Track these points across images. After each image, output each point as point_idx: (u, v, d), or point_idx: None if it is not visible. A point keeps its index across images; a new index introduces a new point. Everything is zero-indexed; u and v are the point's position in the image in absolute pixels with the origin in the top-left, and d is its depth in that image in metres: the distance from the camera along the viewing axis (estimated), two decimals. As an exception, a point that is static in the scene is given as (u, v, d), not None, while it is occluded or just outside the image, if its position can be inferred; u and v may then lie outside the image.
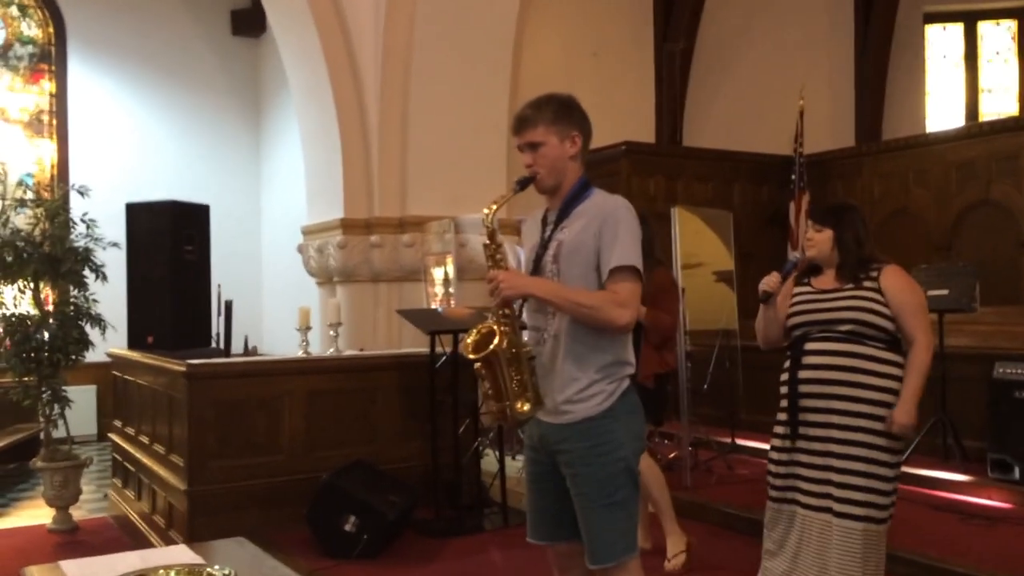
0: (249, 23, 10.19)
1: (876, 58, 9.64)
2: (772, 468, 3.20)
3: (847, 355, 3.02)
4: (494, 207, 2.47)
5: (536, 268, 2.53)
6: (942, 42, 9.84)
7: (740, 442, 6.36)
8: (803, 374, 3.10)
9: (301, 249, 7.59)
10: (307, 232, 7.54)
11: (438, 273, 6.64)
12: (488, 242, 2.47)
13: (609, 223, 2.40)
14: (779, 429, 3.19)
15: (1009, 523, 4.53)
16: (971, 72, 9.72)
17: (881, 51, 9.65)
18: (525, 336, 2.53)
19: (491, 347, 2.35)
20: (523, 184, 2.52)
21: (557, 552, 2.62)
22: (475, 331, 2.45)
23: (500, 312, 2.41)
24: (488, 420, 2.49)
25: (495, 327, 2.41)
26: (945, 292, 5.60)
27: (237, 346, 7.35)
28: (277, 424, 4.81)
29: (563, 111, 2.50)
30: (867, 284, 3.07)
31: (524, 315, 2.58)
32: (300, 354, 5.20)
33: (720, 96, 9.85)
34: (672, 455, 5.87)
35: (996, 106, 9.58)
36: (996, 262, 7.37)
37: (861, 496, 2.97)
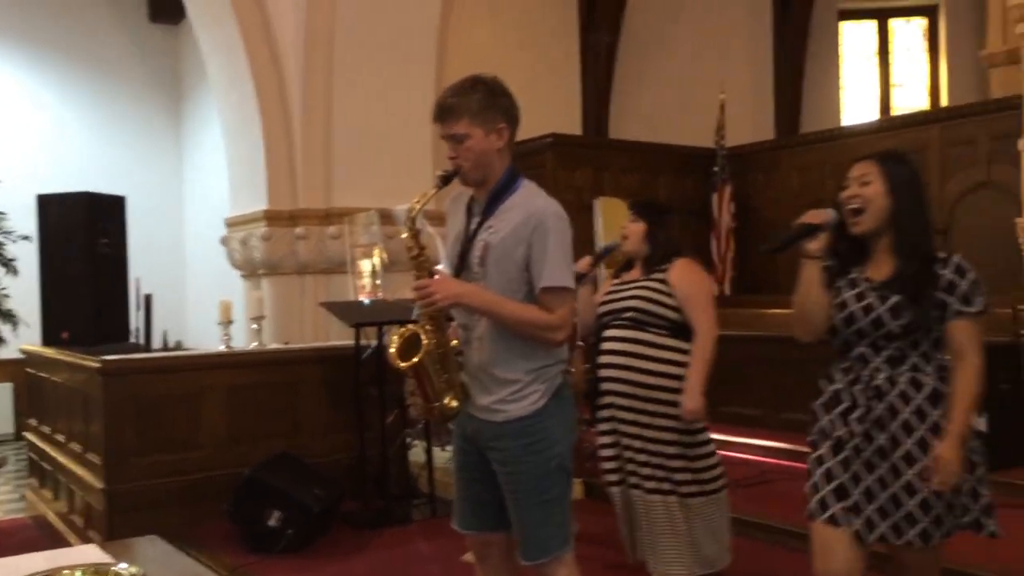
0: (167, 9, 9.89)
1: (793, 53, 9.91)
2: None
3: (630, 341, 3.28)
4: (417, 205, 2.36)
5: (462, 265, 2.41)
6: (856, 38, 10.16)
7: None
8: (601, 359, 3.38)
9: (225, 241, 7.46)
10: (231, 224, 7.41)
11: (365, 265, 6.59)
12: (411, 245, 2.36)
13: (539, 234, 2.30)
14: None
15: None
16: (883, 67, 10.07)
17: (798, 46, 9.93)
18: (450, 330, 2.47)
19: (420, 353, 2.32)
20: (446, 180, 2.37)
21: (479, 540, 2.58)
22: (398, 336, 2.39)
23: (428, 320, 2.34)
24: (416, 413, 2.46)
25: (419, 330, 2.35)
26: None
27: (158, 341, 7.19)
28: (197, 419, 4.72)
29: (489, 99, 2.33)
30: (655, 276, 3.31)
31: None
32: (221, 348, 5.13)
33: (645, 89, 9.97)
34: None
35: (907, 100, 9.94)
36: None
37: (648, 471, 3.24)
